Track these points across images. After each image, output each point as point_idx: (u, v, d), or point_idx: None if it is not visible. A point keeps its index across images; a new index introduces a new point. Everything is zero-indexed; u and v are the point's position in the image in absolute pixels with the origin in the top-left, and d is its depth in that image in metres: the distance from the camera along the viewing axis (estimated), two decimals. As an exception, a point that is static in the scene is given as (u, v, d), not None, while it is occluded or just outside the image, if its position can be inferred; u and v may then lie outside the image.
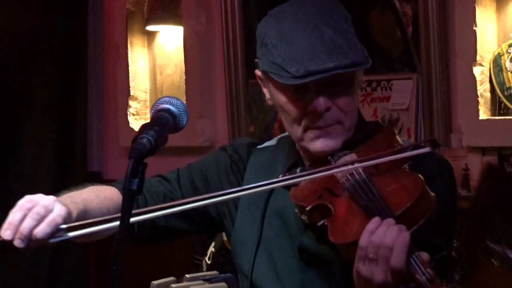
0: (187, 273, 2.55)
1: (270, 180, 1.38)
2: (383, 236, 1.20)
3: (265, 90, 1.46)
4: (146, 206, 1.47)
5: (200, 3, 3.17)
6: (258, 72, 1.45)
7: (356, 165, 1.36)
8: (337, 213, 1.31)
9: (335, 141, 1.37)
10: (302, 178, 1.38)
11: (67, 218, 1.32)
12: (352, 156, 1.37)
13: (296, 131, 1.39)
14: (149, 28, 3.36)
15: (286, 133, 1.52)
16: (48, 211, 1.29)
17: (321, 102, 1.33)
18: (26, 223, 1.26)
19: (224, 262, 2.65)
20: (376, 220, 1.22)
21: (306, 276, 1.43)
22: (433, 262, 1.19)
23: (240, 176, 1.56)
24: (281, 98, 1.39)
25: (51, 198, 1.33)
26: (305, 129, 1.37)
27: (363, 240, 1.21)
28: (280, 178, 1.39)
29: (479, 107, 2.51)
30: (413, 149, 1.42)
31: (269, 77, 1.39)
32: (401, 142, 1.40)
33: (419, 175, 1.31)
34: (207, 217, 1.54)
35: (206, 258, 2.59)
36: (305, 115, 1.37)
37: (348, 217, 1.32)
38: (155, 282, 2.48)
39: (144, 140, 1.18)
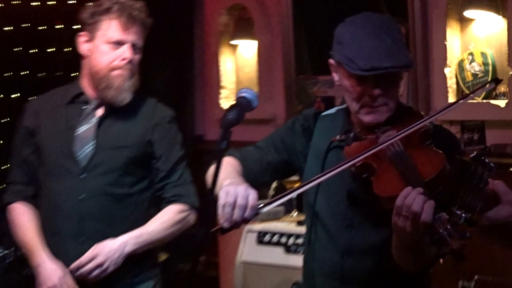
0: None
1: (341, 165, 1.44)
2: (413, 201, 1.27)
3: (334, 75, 1.58)
4: (248, 167, 1.67)
5: (266, 24, 3.66)
6: (331, 61, 1.56)
7: (392, 138, 1.42)
8: (380, 172, 1.43)
9: (381, 117, 1.52)
10: (355, 160, 1.42)
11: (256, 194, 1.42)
12: (393, 132, 1.47)
13: (354, 106, 1.53)
14: (233, 42, 3.88)
15: (343, 106, 1.68)
16: (247, 199, 1.37)
17: (377, 91, 1.48)
18: (236, 215, 1.37)
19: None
20: (408, 188, 1.30)
21: (350, 213, 1.59)
22: (451, 222, 1.24)
23: (309, 137, 1.71)
24: (347, 82, 1.52)
25: (243, 187, 1.40)
26: (361, 107, 1.52)
27: (398, 201, 1.29)
28: (344, 162, 1.45)
29: (448, 94, 2.93)
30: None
31: (341, 66, 1.52)
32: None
33: (442, 153, 1.39)
34: (291, 171, 1.77)
35: (270, 191, 2.99)
36: (363, 97, 1.50)
37: (389, 177, 1.42)
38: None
39: (230, 116, 1.39)
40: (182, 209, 1.98)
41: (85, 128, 1.98)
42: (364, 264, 1.58)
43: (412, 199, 1.28)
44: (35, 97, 2.23)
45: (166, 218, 1.99)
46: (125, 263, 1.92)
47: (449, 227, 1.25)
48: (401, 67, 1.48)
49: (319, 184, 1.50)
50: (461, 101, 1.61)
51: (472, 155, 1.14)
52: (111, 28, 1.91)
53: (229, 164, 1.63)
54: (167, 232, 2.00)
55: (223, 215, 1.38)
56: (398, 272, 1.51)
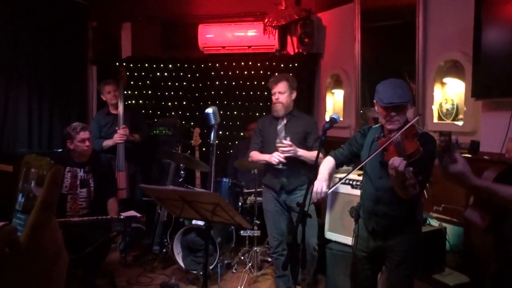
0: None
1: (376, 150, 1.94)
2: (396, 162, 1.95)
3: (375, 107, 2.26)
4: (339, 159, 2.35)
5: (348, 82, 4.58)
6: (374, 100, 2.27)
7: (396, 136, 2.04)
8: (389, 150, 2.11)
9: (395, 126, 2.19)
10: (380, 148, 1.94)
11: (327, 185, 2.11)
12: (397, 133, 2.13)
13: (383, 121, 2.23)
14: (333, 90, 4.86)
15: (380, 123, 2.27)
16: (322, 188, 2.16)
17: (393, 113, 2.15)
18: (318, 197, 2.18)
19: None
20: (395, 157, 1.93)
21: (381, 170, 2.22)
22: (413, 172, 1.88)
23: (365, 137, 2.37)
24: (380, 110, 2.21)
25: (321, 182, 2.10)
26: (386, 121, 2.21)
27: (390, 162, 1.97)
28: (378, 147, 1.98)
29: (434, 118, 3.67)
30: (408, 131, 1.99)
31: (377, 102, 2.22)
32: (417, 129, 2.15)
33: (418, 143, 2.01)
34: (356, 156, 2.43)
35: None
36: (387, 116, 2.18)
37: (391, 152, 2.08)
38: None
39: (326, 125, 2.25)
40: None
41: (280, 125, 3.41)
42: (385, 195, 2.25)
43: (395, 161, 1.91)
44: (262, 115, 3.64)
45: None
46: None
47: (411, 174, 1.78)
48: (404, 102, 2.16)
49: (366, 161, 2.12)
50: (410, 123, 2.16)
51: (446, 133, 1.54)
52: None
53: (326, 161, 2.31)
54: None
55: (313, 197, 2.19)
56: (401, 199, 2.14)
